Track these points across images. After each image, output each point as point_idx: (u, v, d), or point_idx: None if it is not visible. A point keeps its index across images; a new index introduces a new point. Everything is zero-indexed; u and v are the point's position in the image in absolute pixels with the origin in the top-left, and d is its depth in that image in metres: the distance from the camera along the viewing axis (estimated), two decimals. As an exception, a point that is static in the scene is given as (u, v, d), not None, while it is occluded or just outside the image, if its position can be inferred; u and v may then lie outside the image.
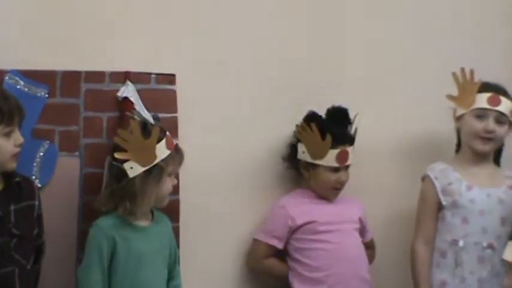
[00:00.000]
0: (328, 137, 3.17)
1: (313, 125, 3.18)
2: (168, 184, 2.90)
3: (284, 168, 3.32)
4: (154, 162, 2.84)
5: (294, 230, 3.20)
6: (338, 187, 3.25)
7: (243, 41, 3.28)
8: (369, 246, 3.35)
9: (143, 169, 2.83)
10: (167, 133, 2.90)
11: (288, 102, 3.33)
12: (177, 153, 2.91)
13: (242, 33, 3.28)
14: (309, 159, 3.22)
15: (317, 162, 3.21)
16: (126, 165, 2.83)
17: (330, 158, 3.19)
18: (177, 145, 2.93)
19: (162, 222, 2.99)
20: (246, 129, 3.28)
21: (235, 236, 3.27)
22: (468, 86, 3.27)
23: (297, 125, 3.24)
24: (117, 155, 2.82)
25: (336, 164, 3.20)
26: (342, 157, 3.21)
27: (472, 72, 3.26)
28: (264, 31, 3.31)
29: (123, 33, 3.12)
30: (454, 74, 3.28)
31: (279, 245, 3.22)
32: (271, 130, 3.30)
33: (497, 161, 3.40)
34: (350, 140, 3.24)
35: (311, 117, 3.22)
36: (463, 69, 3.27)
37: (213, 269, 3.24)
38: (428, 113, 3.46)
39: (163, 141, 2.86)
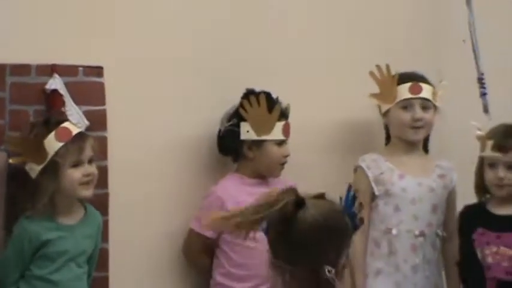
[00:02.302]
0: (276, 108, 3.15)
1: (262, 97, 3.15)
2: (71, 176, 2.82)
3: (213, 155, 3.30)
4: (48, 158, 2.80)
5: None
6: (284, 161, 3.23)
7: (169, 31, 3.24)
8: None
9: (40, 167, 2.80)
10: (61, 125, 2.84)
11: (216, 92, 3.31)
12: (73, 143, 2.83)
13: (167, 24, 3.24)
14: (254, 136, 3.18)
15: (264, 137, 3.17)
16: (27, 167, 2.82)
17: (277, 131, 3.18)
18: (76, 134, 2.84)
19: (91, 220, 2.96)
20: (174, 119, 3.26)
21: (166, 227, 3.25)
22: (387, 80, 3.32)
23: (240, 104, 3.19)
24: (11, 161, 2.83)
25: (282, 137, 3.19)
26: (287, 129, 3.20)
27: (387, 66, 3.31)
28: (188, 21, 3.28)
29: (49, 25, 3.04)
30: (371, 72, 3.32)
31: (213, 236, 3.20)
32: (199, 120, 3.28)
33: (425, 148, 3.45)
34: (287, 115, 3.23)
35: (255, 92, 3.19)
36: (378, 66, 3.32)
37: (143, 261, 3.21)
38: (357, 104, 3.47)
39: (52, 135, 2.81)
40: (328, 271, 2.01)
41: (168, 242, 3.26)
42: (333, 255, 2.04)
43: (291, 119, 3.24)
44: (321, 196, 2.15)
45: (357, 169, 3.37)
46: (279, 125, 3.18)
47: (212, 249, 3.24)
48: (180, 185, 3.28)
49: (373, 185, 3.32)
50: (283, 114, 3.20)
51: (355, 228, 2.12)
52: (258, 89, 3.21)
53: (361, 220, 2.14)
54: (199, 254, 3.25)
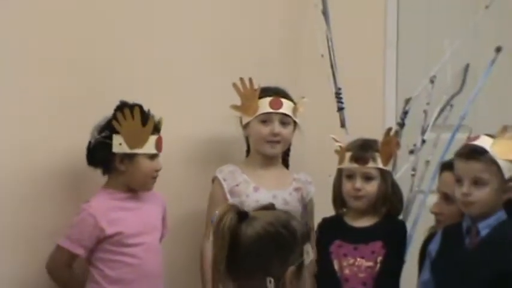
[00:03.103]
0: (150, 122, 3.11)
1: (136, 110, 3.09)
2: None
3: (82, 169, 3.20)
4: None
5: (101, 240, 3.11)
6: (156, 175, 3.18)
7: (36, 41, 3.13)
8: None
9: None
10: None
11: (87, 105, 3.24)
12: None
13: (34, 33, 3.13)
14: (127, 150, 3.11)
15: (137, 151, 3.11)
16: None
17: (150, 145, 3.12)
18: None
19: None
20: (42, 131, 3.15)
21: (33, 242, 3.14)
22: (249, 93, 3.35)
23: (114, 116, 3.11)
24: None
25: (155, 151, 3.14)
26: (159, 143, 3.16)
27: (250, 80, 3.35)
28: (54, 31, 3.18)
29: None
30: (234, 84, 3.35)
31: (84, 254, 3.12)
32: (66, 132, 3.20)
33: (285, 163, 3.50)
34: (160, 128, 3.20)
35: (129, 105, 3.13)
36: (242, 79, 3.35)
37: (6, 276, 3.09)
38: (219, 117, 3.49)
39: None
40: (269, 281, 2.00)
41: (33, 259, 3.14)
42: (277, 266, 2.03)
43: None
44: (268, 207, 2.15)
45: (214, 180, 3.40)
46: (152, 139, 3.13)
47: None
48: (48, 197, 3.18)
49: (228, 196, 3.35)
50: (156, 128, 3.17)
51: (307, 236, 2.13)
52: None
53: (310, 228, 2.15)
54: (64, 269, 3.14)
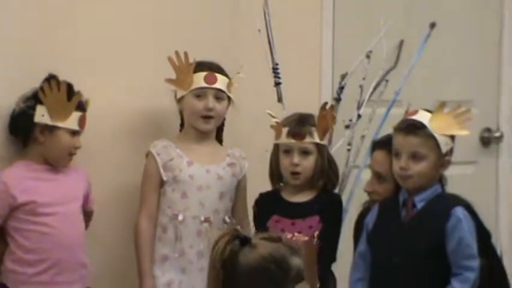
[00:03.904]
0: (76, 98, 3.11)
1: (63, 84, 3.09)
2: None
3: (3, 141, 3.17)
4: None
5: (13, 209, 3.08)
6: (74, 153, 3.17)
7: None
8: (88, 215, 3.30)
9: None
10: None
11: (15, 78, 3.19)
12: None
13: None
14: (48, 121, 3.10)
15: (58, 124, 3.10)
16: None
17: (73, 121, 3.12)
18: None
19: None
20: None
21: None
22: (184, 68, 3.33)
23: (40, 86, 3.10)
24: None
25: (77, 127, 3.13)
26: (83, 121, 3.15)
27: (186, 54, 3.32)
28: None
29: None
30: (169, 58, 3.33)
31: None
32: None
33: (219, 138, 3.49)
34: (85, 108, 3.19)
35: (57, 78, 3.12)
36: (177, 52, 3.33)
37: None
38: (152, 90, 3.45)
39: None
40: None
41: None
42: None
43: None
44: (275, 239, 2.11)
45: (148, 155, 3.38)
46: (76, 115, 3.13)
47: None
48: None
49: (162, 170, 3.33)
50: (81, 106, 3.16)
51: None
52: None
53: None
54: None
